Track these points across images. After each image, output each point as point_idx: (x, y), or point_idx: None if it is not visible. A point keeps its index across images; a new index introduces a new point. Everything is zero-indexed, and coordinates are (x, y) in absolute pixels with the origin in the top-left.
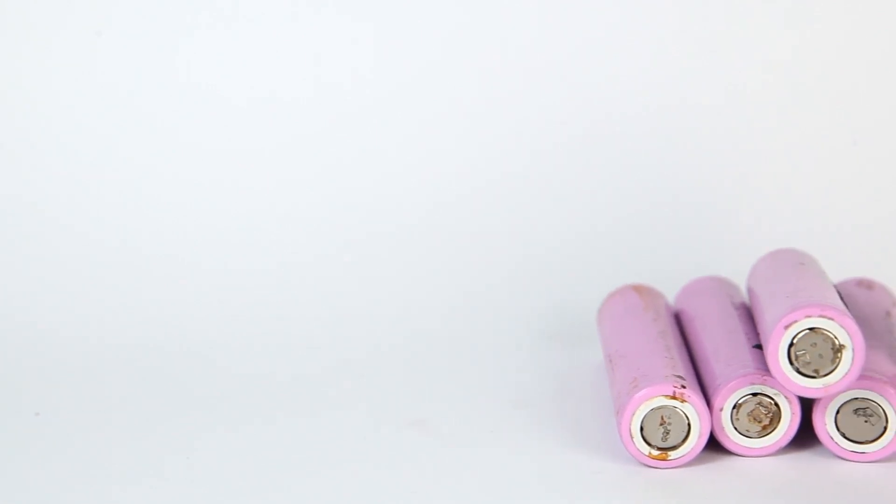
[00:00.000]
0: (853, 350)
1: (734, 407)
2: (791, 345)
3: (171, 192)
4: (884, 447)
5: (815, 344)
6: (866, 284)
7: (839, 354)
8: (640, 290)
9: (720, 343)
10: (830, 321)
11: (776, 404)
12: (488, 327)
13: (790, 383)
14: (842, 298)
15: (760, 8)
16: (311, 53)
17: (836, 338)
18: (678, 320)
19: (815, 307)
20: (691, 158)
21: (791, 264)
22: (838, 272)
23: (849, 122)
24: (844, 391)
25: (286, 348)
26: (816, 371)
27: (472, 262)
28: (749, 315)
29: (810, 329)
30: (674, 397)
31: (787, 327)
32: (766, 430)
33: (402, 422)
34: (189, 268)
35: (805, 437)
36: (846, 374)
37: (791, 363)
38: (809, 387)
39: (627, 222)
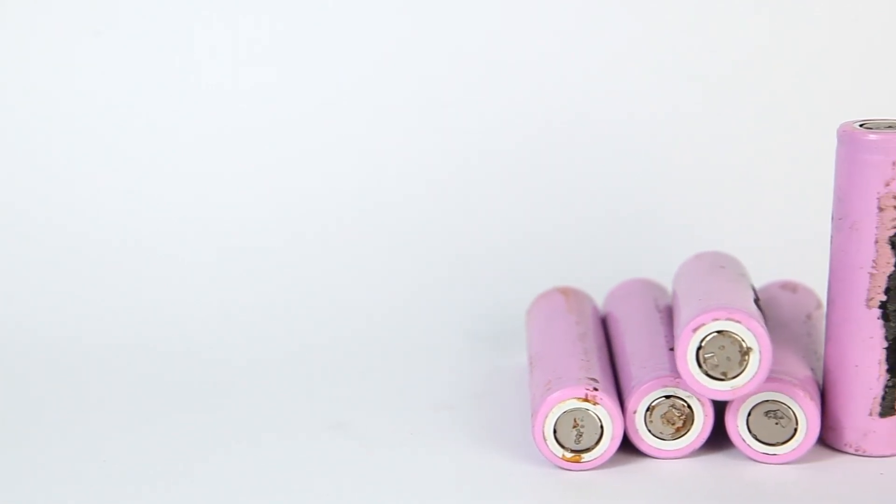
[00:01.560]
0: (760, 353)
1: (647, 409)
2: (699, 347)
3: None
4: (794, 449)
5: (723, 347)
6: (791, 287)
7: (746, 357)
8: (566, 292)
9: (639, 345)
10: (738, 324)
11: (689, 407)
12: (418, 328)
13: (698, 386)
14: (757, 301)
15: (690, 17)
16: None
17: (743, 341)
18: (605, 323)
19: (722, 310)
20: (632, 163)
21: (710, 267)
22: (768, 275)
23: (781, 124)
24: (752, 393)
25: (208, 348)
26: (724, 374)
27: (402, 262)
28: (672, 317)
29: (718, 332)
30: (586, 399)
31: (694, 330)
32: (680, 432)
33: (324, 424)
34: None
35: (719, 439)
36: (753, 376)
37: (699, 366)
38: (717, 389)
39: (562, 225)
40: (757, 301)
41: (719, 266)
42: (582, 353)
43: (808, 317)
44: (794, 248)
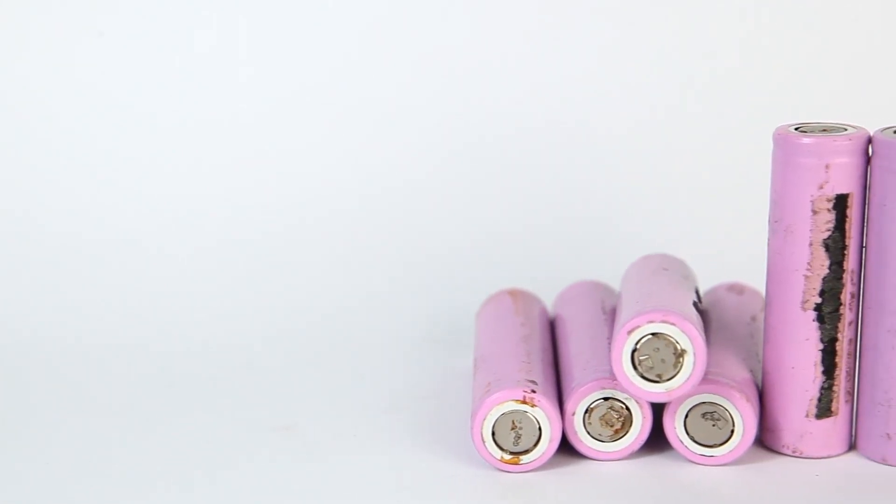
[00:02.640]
0: (694, 355)
1: (586, 411)
2: (634, 350)
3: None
4: (731, 451)
5: (658, 349)
6: (737, 289)
7: (681, 359)
8: (514, 294)
9: (582, 347)
10: (672, 326)
11: (627, 409)
12: (370, 330)
13: (633, 388)
14: (697, 304)
15: (637, 27)
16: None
17: (677, 343)
18: (554, 325)
19: (657, 313)
20: (587, 167)
21: (654, 269)
22: (718, 277)
23: (731, 126)
24: (687, 396)
25: (156, 347)
26: (659, 376)
27: (354, 264)
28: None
29: (653, 334)
30: (524, 402)
31: (629, 332)
32: (618, 434)
33: (269, 425)
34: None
35: (658, 440)
36: (688, 378)
37: (634, 368)
38: (653, 391)
39: (516, 226)
40: (697, 303)
41: (663, 268)
42: (524, 355)
43: (753, 318)
44: (744, 250)
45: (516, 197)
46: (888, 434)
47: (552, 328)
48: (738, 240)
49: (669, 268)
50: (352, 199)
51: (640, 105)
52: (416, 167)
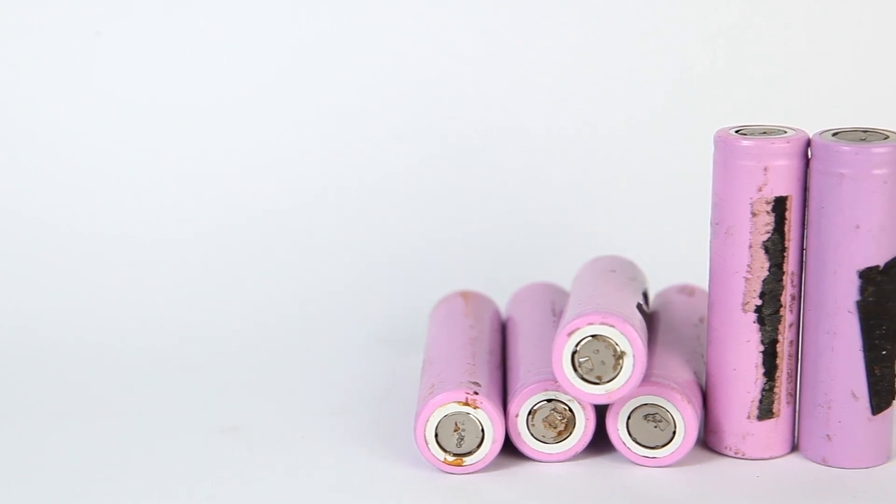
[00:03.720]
0: (634, 357)
1: (529, 413)
2: (575, 352)
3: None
4: (673, 452)
5: (598, 351)
6: (688, 291)
7: (621, 361)
8: (466, 296)
9: (529, 349)
10: (612, 328)
11: (571, 410)
12: (324, 331)
13: (573, 389)
14: (641, 306)
15: (580, 28)
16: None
17: (617, 345)
18: (505, 327)
19: (596, 315)
20: (543, 165)
21: (601, 271)
22: (672, 278)
23: (693, 128)
24: (628, 397)
25: (102, 346)
26: (599, 378)
27: (308, 264)
28: None
29: (593, 336)
30: (466, 403)
31: (569, 334)
32: (562, 435)
33: (217, 427)
34: None
35: (602, 442)
36: (628, 380)
37: (575, 370)
38: (593, 393)
39: (472, 228)
40: (641, 305)
41: (610, 270)
42: (469, 357)
43: (701, 320)
44: (699, 252)
45: (476, 198)
46: (828, 435)
47: (504, 330)
48: (694, 241)
49: (617, 269)
50: (307, 199)
51: (595, 109)
52: (373, 168)
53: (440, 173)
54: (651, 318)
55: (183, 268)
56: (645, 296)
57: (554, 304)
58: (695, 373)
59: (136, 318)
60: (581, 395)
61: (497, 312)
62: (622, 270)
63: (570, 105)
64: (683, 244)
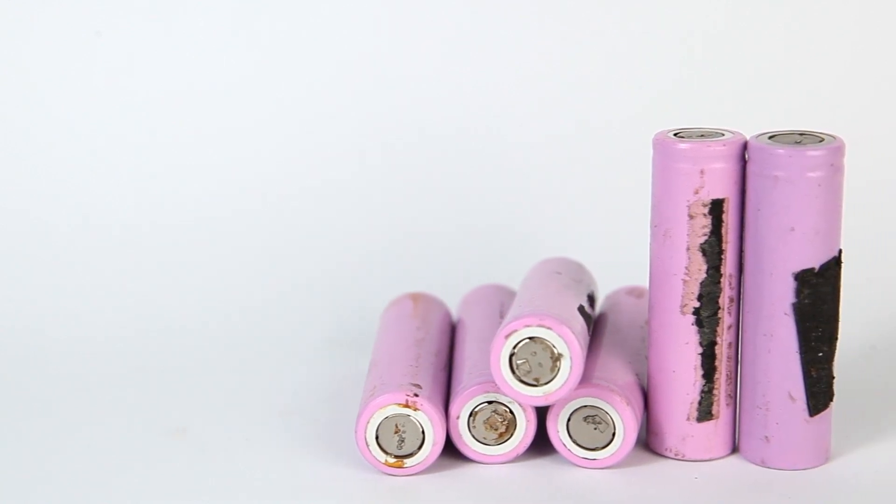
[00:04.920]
0: (571, 359)
1: (470, 414)
2: (512, 354)
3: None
4: (613, 454)
5: (535, 353)
6: (636, 293)
7: (558, 363)
8: (416, 298)
9: (474, 351)
10: (549, 330)
11: (511, 412)
12: (273, 332)
13: (511, 391)
14: (584, 308)
15: (521, 31)
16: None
17: (554, 347)
18: (456, 328)
19: (533, 317)
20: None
21: (546, 273)
22: (625, 280)
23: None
24: (566, 399)
25: (47, 346)
26: (537, 380)
27: (259, 264)
28: None
29: (530, 338)
30: (406, 405)
31: (507, 336)
32: (503, 437)
33: (164, 430)
34: None
35: (544, 444)
36: (565, 382)
37: (512, 372)
38: (531, 395)
39: (427, 229)
40: (583, 307)
41: (556, 272)
42: (412, 359)
43: (647, 322)
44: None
45: (433, 200)
46: (766, 437)
47: (454, 331)
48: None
49: (563, 271)
50: (259, 200)
51: (547, 112)
52: (329, 169)
53: (400, 176)
54: (599, 320)
55: (131, 269)
56: (591, 298)
57: (503, 305)
58: (637, 375)
59: (85, 320)
60: (519, 397)
61: (447, 314)
62: (568, 272)
63: (524, 110)
64: (637, 246)
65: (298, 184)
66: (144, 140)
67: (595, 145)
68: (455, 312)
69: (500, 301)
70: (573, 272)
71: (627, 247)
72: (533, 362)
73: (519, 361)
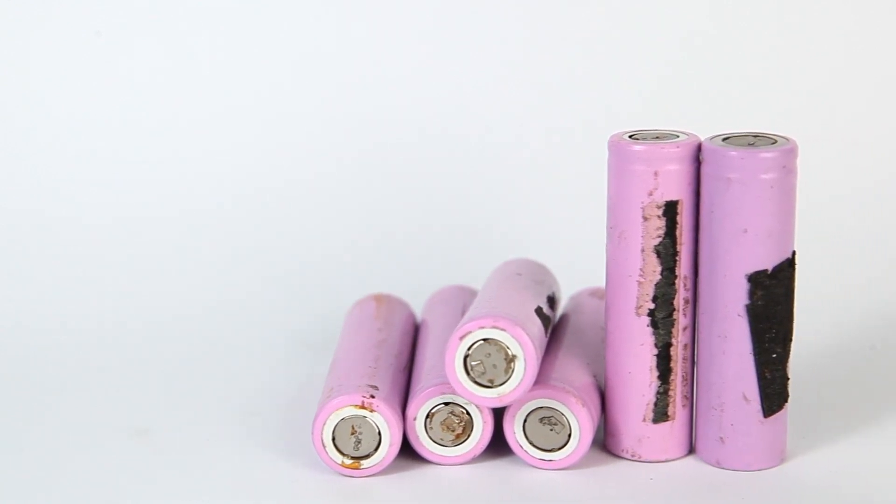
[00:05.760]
0: (525, 360)
1: (427, 416)
2: (467, 355)
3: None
4: (569, 455)
5: (490, 354)
6: (599, 294)
7: (512, 365)
8: (379, 299)
9: (435, 352)
10: (503, 332)
11: (468, 413)
12: (238, 333)
13: (466, 393)
14: (541, 309)
15: (482, 34)
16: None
17: (508, 348)
18: (419, 329)
19: (488, 318)
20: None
21: (507, 275)
22: (589, 282)
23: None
24: (521, 400)
25: (9, 344)
26: (491, 381)
27: (225, 265)
28: None
29: (484, 340)
30: (362, 407)
31: (461, 338)
32: (460, 438)
33: (125, 430)
34: None
35: (501, 445)
36: (519, 383)
37: (467, 373)
38: (485, 396)
39: (396, 231)
40: (542, 309)
41: (516, 274)
42: (371, 361)
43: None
44: None
45: (400, 202)
46: (721, 438)
47: (417, 333)
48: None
49: (524, 273)
50: (225, 201)
51: (514, 115)
52: (296, 171)
53: (368, 178)
54: (561, 321)
55: (96, 267)
56: (551, 299)
57: (465, 306)
58: (595, 376)
59: (44, 319)
60: (474, 399)
61: (411, 315)
62: (529, 273)
63: (490, 114)
64: (601, 248)
65: (265, 185)
66: (116, 140)
67: (564, 147)
68: (420, 313)
69: (462, 302)
70: (534, 273)
71: (593, 248)
72: (487, 364)
73: (473, 363)
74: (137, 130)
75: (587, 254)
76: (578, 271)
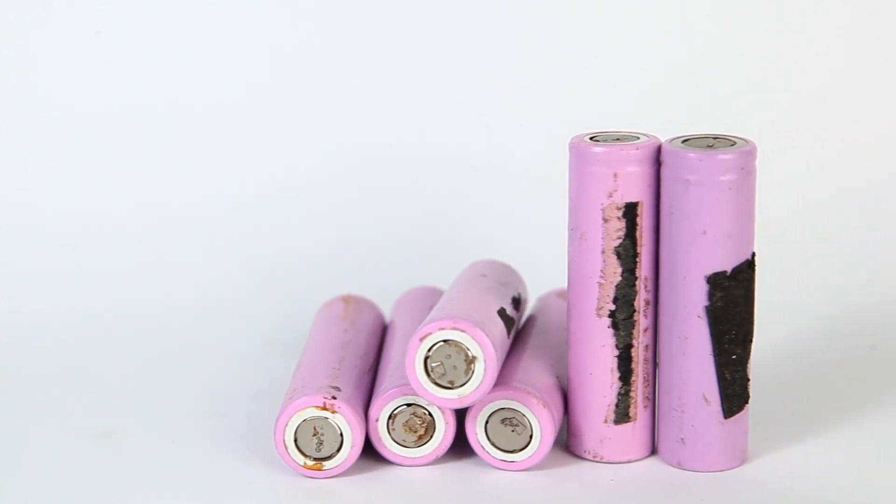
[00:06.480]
0: (485, 361)
1: (390, 417)
2: (427, 356)
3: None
4: (530, 456)
5: (450, 356)
6: (566, 295)
7: (472, 366)
8: (347, 300)
9: (398, 353)
10: (462, 333)
11: (430, 415)
12: (208, 334)
13: (427, 394)
14: (504, 311)
15: (444, 36)
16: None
17: (468, 350)
18: (386, 331)
19: (448, 320)
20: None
21: (472, 276)
22: (557, 283)
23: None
24: (481, 402)
25: None
26: (451, 382)
27: (194, 265)
28: None
29: (444, 341)
30: (324, 408)
31: (421, 339)
32: (422, 439)
33: (91, 432)
34: None
35: (464, 446)
36: (479, 385)
37: (427, 374)
38: (446, 397)
39: (362, 232)
40: (504, 310)
41: (481, 275)
42: (335, 362)
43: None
44: None
45: (372, 203)
46: (682, 439)
47: (385, 334)
48: None
49: (489, 274)
50: (198, 199)
51: (483, 116)
52: (266, 172)
53: (339, 179)
54: (527, 322)
55: (65, 265)
56: (516, 300)
57: (434, 307)
58: (558, 377)
59: (11, 319)
60: (434, 400)
61: (379, 316)
62: (494, 275)
63: (462, 115)
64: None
65: (235, 186)
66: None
67: (538, 148)
68: (388, 315)
69: (430, 303)
70: (500, 275)
71: (562, 250)
72: (447, 365)
73: (434, 364)
74: (130, 130)
75: (556, 255)
76: (547, 273)
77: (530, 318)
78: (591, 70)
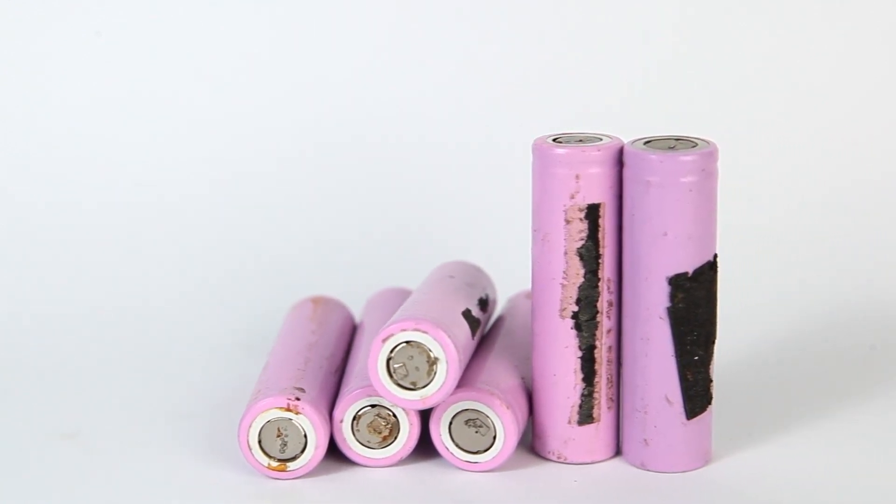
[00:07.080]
0: (447, 363)
1: (354, 418)
2: (390, 357)
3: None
4: (494, 457)
5: (412, 357)
6: None
7: (434, 367)
8: (316, 301)
9: (364, 354)
10: (425, 334)
11: (395, 416)
12: (178, 334)
13: (389, 395)
14: (470, 312)
15: (415, 37)
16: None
17: (430, 351)
18: (356, 332)
19: (410, 321)
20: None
21: (439, 277)
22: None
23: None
24: (445, 403)
25: None
26: (414, 383)
27: (162, 266)
28: None
29: (406, 342)
30: (288, 409)
31: (384, 340)
32: (387, 440)
33: (55, 432)
34: None
35: (429, 447)
36: (441, 386)
37: (390, 375)
38: (408, 399)
39: (334, 232)
40: (470, 312)
41: (448, 276)
42: (301, 363)
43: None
44: None
45: (344, 204)
46: (645, 440)
47: (354, 335)
48: None
49: (456, 275)
50: (164, 199)
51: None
52: (236, 171)
53: (311, 179)
54: (496, 323)
55: (25, 264)
56: (483, 301)
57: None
58: (523, 378)
59: None
60: (397, 401)
61: (349, 317)
62: (462, 276)
63: (433, 115)
64: None
65: (206, 184)
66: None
67: (508, 147)
68: (359, 315)
69: (400, 304)
70: (468, 276)
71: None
72: (410, 366)
73: (396, 365)
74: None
75: (526, 256)
76: (517, 273)
77: (499, 319)
78: (561, 72)
